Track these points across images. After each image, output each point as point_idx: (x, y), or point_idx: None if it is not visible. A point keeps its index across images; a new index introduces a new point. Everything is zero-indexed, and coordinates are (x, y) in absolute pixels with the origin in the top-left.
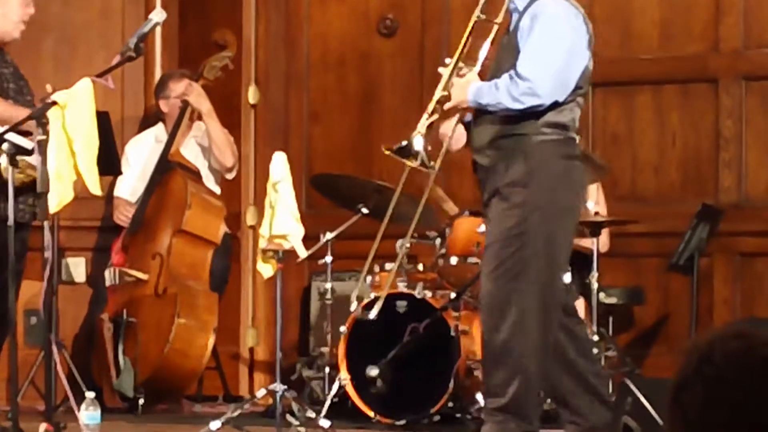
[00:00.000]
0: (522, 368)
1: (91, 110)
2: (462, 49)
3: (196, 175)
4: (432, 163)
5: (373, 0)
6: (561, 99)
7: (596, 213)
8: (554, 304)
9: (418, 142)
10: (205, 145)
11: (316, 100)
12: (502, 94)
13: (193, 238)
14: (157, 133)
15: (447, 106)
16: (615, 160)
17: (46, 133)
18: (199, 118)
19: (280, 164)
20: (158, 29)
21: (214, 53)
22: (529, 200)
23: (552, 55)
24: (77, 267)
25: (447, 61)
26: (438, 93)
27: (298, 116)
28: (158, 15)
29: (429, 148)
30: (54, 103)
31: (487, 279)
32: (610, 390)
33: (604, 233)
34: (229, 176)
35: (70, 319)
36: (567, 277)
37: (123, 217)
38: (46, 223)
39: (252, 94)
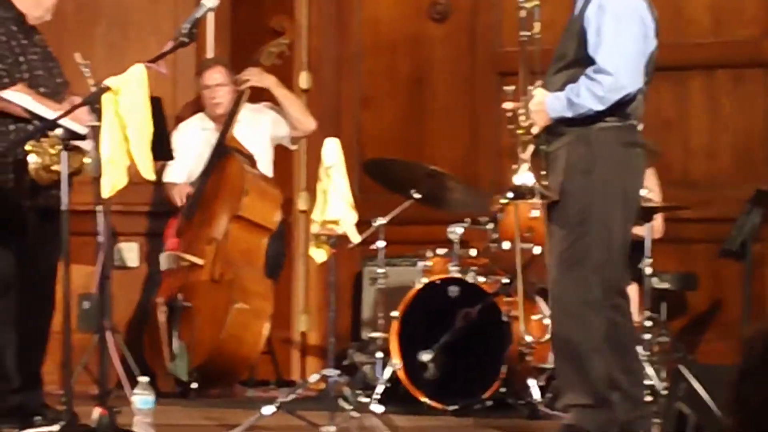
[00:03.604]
0: (589, 360)
1: (144, 96)
2: (523, 82)
3: (250, 160)
4: (549, 191)
5: None
6: (641, 86)
7: (649, 199)
8: (615, 292)
9: (528, 179)
10: (256, 128)
11: (368, 85)
12: (585, 99)
13: (250, 224)
14: (203, 119)
15: (535, 131)
16: (667, 145)
17: (99, 118)
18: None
19: (332, 150)
20: (210, 14)
21: (267, 39)
22: (590, 187)
23: (628, 44)
24: (130, 252)
25: (507, 89)
26: (523, 125)
27: (349, 101)
28: (211, 0)
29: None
30: (107, 88)
31: (552, 267)
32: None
33: (659, 218)
34: (294, 147)
35: (124, 303)
36: None
37: (183, 198)
38: (99, 208)
39: (304, 80)
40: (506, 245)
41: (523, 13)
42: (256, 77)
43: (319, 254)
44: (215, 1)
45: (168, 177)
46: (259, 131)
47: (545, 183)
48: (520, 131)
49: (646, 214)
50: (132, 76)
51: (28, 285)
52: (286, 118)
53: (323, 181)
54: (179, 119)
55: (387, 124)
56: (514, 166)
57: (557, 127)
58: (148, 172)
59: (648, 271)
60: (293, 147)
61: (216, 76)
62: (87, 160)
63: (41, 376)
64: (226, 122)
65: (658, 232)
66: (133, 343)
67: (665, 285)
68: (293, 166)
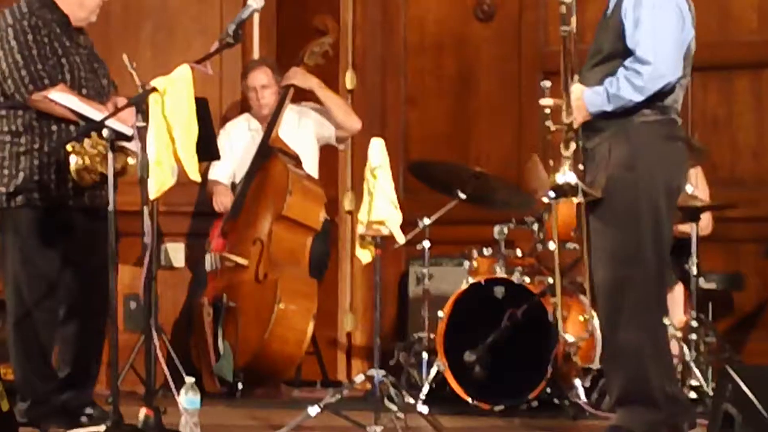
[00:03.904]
0: (647, 363)
1: (190, 96)
2: (565, 75)
3: (295, 160)
4: (592, 189)
5: None
6: (681, 74)
7: (696, 197)
8: (664, 288)
9: (571, 177)
10: (301, 128)
11: (413, 84)
12: (625, 90)
13: (294, 224)
14: (250, 119)
15: (576, 125)
16: (714, 144)
17: (146, 119)
18: (306, 99)
19: (378, 150)
20: (256, 15)
21: (312, 39)
22: (635, 183)
23: (666, 33)
24: (176, 252)
25: (543, 84)
26: (566, 122)
27: (395, 101)
28: (257, 1)
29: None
30: (153, 89)
31: (601, 265)
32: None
33: (705, 218)
34: (342, 147)
35: (170, 303)
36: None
37: (222, 206)
38: (145, 209)
39: (349, 80)
40: (552, 245)
41: (563, 9)
42: (299, 78)
43: (365, 255)
44: (261, 2)
45: (212, 175)
46: (303, 131)
47: (588, 181)
48: (562, 127)
49: (692, 214)
50: (178, 77)
51: (76, 285)
52: (330, 118)
53: (369, 182)
54: (225, 119)
55: (432, 123)
56: (552, 163)
57: (596, 122)
58: (194, 173)
59: (694, 271)
60: (341, 147)
61: (261, 77)
62: (131, 160)
63: (93, 376)
64: (270, 123)
65: (705, 231)
66: (179, 344)
67: (711, 285)
68: (339, 166)
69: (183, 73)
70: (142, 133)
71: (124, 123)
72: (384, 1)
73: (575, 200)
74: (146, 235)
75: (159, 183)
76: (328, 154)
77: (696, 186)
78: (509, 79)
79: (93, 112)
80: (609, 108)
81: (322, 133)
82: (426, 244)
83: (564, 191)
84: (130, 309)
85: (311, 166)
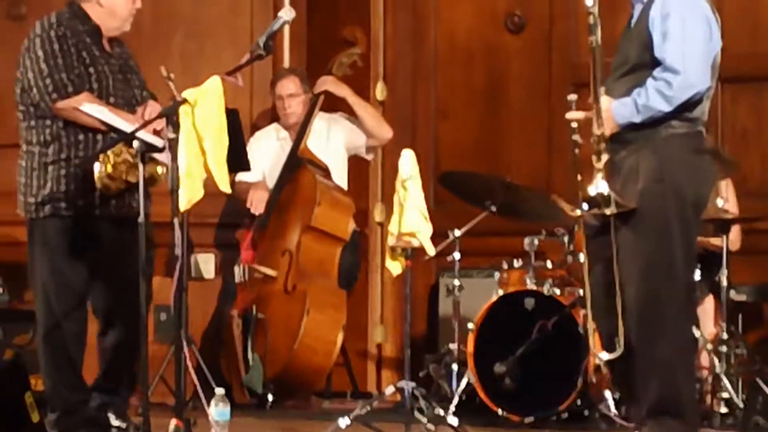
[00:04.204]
0: (674, 375)
1: (221, 108)
2: (594, 88)
3: (324, 171)
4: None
5: None
6: (709, 84)
7: (726, 210)
8: (695, 300)
9: (604, 188)
10: (330, 138)
11: (444, 95)
12: (653, 100)
13: (322, 235)
14: (278, 128)
15: (607, 135)
16: (744, 156)
17: (176, 131)
18: (334, 109)
19: (409, 162)
20: (286, 26)
21: (342, 50)
22: (665, 195)
23: (695, 43)
24: (207, 263)
25: (570, 98)
26: (596, 134)
27: (425, 112)
28: (287, 13)
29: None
30: (184, 101)
31: (632, 279)
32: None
33: (735, 230)
34: (371, 157)
35: (200, 315)
36: (696, 275)
37: (257, 202)
38: (176, 220)
39: (380, 91)
40: (582, 257)
41: (591, 19)
42: (331, 85)
43: (396, 266)
44: (291, 14)
45: (241, 177)
46: (333, 141)
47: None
48: (592, 140)
49: (723, 226)
50: (208, 88)
51: (108, 296)
52: (361, 127)
53: (400, 194)
54: (255, 128)
55: (463, 134)
56: (579, 178)
57: (624, 134)
58: (224, 185)
59: (725, 283)
60: (369, 157)
61: (289, 85)
62: (160, 169)
63: (126, 387)
64: (299, 133)
65: (735, 243)
66: (209, 355)
67: (742, 297)
68: (369, 178)
69: (214, 84)
70: (172, 144)
71: (155, 134)
72: (414, 12)
73: (608, 211)
74: (176, 247)
75: (189, 194)
76: (358, 165)
77: (726, 199)
78: (540, 90)
79: (123, 123)
80: (638, 119)
81: (352, 143)
82: (456, 255)
83: (597, 203)
84: (160, 320)
85: (340, 176)
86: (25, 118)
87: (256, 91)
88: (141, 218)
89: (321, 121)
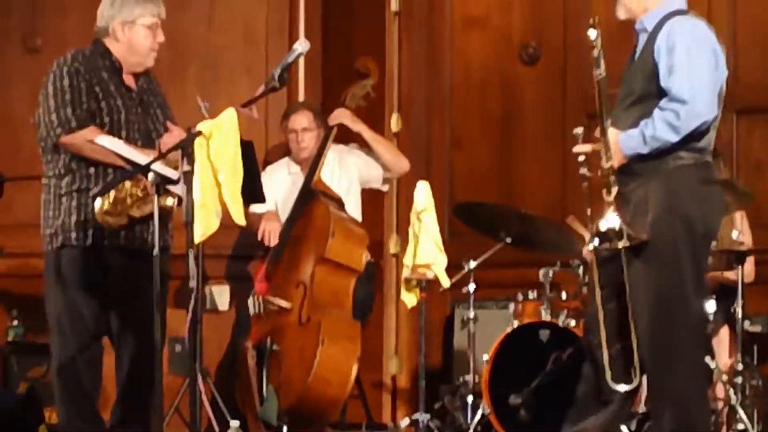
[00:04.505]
0: (689, 406)
1: (236, 140)
2: (601, 121)
3: (338, 202)
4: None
5: (516, 26)
6: (716, 113)
7: (740, 242)
8: (707, 330)
9: (615, 222)
10: (343, 169)
11: (458, 125)
12: (661, 130)
13: (336, 266)
14: (290, 162)
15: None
16: (758, 187)
17: (191, 163)
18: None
19: (423, 193)
20: (301, 58)
21: (356, 82)
22: (676, 227)
23: (702, 72)
24: (221, 295)
25: (576, 131)
26: (605, 167)
27: (440, 143)
28: (302, 45)
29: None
30: (199, 133)
31: (645, 312)
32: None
33: (749, 262)
34: (386, 188)
35: (215, 347)
36: (711, 306)
37: (269, 233)
38: (190, 252)
39: (395, 122)
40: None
41: (595, 52)
42: (347, 119)
43: (410, 298)
44: (306, 46)
45: (253, 209)
46: (346, 173)
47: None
48: (602, 173)
49: (737, 258)
50: (223, 120)
51: (122, 328)
52: (378, 160)
53: (414, 225)
54: (267, 162)
55: (478, 165)
56: (589, 212)
57: (631, 165)
58: (239, 217)
59: (739, 314)
60: (385, 188)
61: (302, 120)
62: (169, 201)
63: (142, 419)
64: (312, 164)
65: (749, 275)
66: (223, 387)
67: (757, 328)
68: (384, 209)
69: (229, 116)
70: (187, 176)
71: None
72: (429, 43)
73: (620, 245)
74: (191, 278)
75: (204, 226)
76: (373, 196)
77: (740, 230)
78: (554, 120)
79: (138, 155)
80: (645, 150)
81: (368, 175)
82: (471, 286)
83: (609, 237)
84: (174, 352)
85: (354, 207)
86: (44, 152)
87: (271, 123)
88: (156, 251)
89: (334, 153)
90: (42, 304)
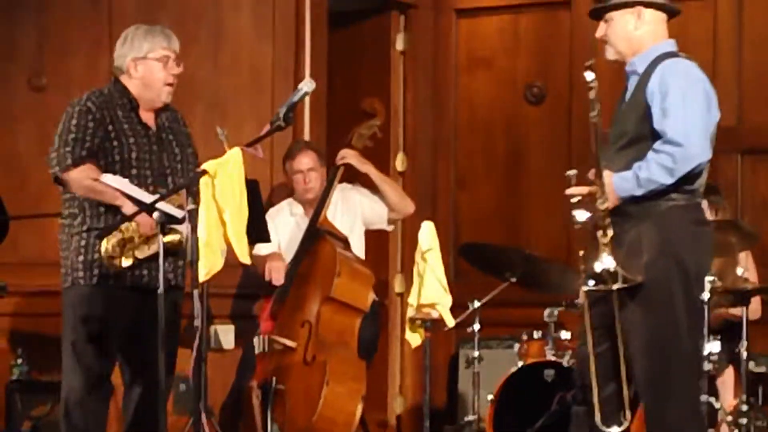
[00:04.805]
0: None
1: (241, 179)
2: (597, 163)
3: (344, 242)
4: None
5: (521, 67)
6: (710, 156)
7: (746, 280)
8: (702, 372)
9: (610, 263)
10: (348, 209)
11: (463, 166)
12: (655, 173)
13: (342, 306)
14: (292, 204)
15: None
16: (764, 226)
17: (196, 202)
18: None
19: (428, 233)
20: (307, 98)
21: (362, 122)
22: (670, 268)
23: (696, 115)
24: (226, 334)
25: (569, 173)
26: (601, 209)
27: (445, 183)
28: (308, 85)
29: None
30: (204, 172)
31: (640, 354)
32: None
33: (755, 301)
34: (391, 228)
35: (219, 386)
36: (716, 346)
37: (275, 272)
38: (195, 291)
39: (400, 162)
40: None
41: (592, 94)
42: (354, 159)
43: (415, 338)
44: (312, 85)
45: (257, 251)
46: (351, 212)
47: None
48: (602, 224)
49: (743, 297)
50: (229, 159)
51: (130, 367)
52: (383, 201)
53: (419, 265)
54: (272, 201)
55: (483, 205)
56: (581, 253)
57: (625, 207)
58: (244, 256)
59: (744, 354)
60: (390, 228)
61: (307, 160)
62: (176, 237)
63: None
64: (318, 204)
65: (756, 312)
66: (228, 426)
67: (762, 369)
68: (389, 248)
69: (234, 155)
70: (193, 216)
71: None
72: (434, 83)
73: (615, 287)
74: (196, 317)
75: (209, 265)
76: (378, 236)
77: (746, 269)
78: (559, 160)
79: (143, 194)
80: (639, 192)
81: (372, 215)
82: (476, 326)
83: (603, 279)
84: (179, 391)
85: (358, 247)
86: (62, 192)
87: (277, 162)
88: (160, 289)
89: (338, 192)
90: (47, 342)
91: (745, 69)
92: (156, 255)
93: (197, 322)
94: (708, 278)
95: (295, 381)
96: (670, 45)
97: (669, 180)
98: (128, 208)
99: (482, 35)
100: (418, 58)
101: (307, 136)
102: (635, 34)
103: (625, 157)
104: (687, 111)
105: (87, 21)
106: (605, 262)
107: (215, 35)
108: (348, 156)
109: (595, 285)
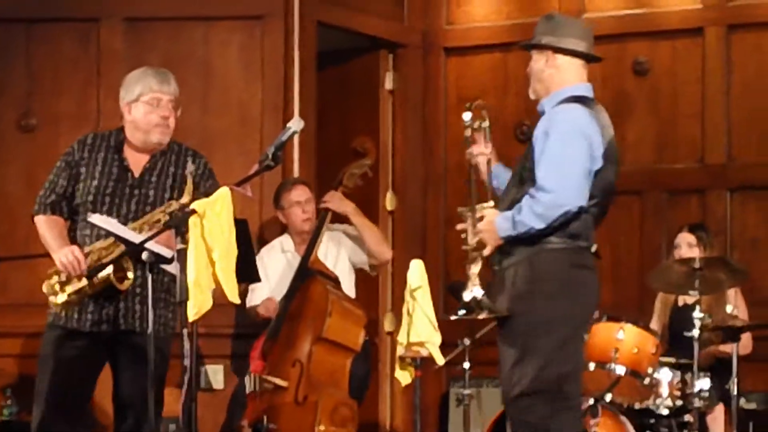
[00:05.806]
0: None
1: (230, 218)
2: (471, 199)
3: (335, 281)
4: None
5: (510, 105)
6: (585, 204)
7: (735, 317)
8: (578, 417)
9: (478, 293)
10: (337, 250)
11: (453, 205)
12: (526, 217)
13: (334, 346)
14: (283, 242)
15: (486, 252)
16: (754, 264)
17: (185, 241)
18: (342, 221)
19: (417, 272)
20: (296, 137)
21: (352, 160)
22: (535, 309)
23: (570, 163)
24: (216, 374)
25: (460, 210)
26: (471, 243)
27: (434, 221)
28: (296, 123)
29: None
30: (193, 211)
31: (503, 385)
32: None
33: (746, 337)
34: (374, 273)
35: (210, 426)
36: (706, 383)
37: (271, 311)
38: (184, 331)
39: (389, 201)
40: (591, 366)
41: (468, 132)
42: (335, 203)
43: (405, 376)
44: (300, 124)
45: (251, 302)
46: (340, 253)
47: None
48: (469, 253)
49: (732, 334)
50: (217, 198)
51: (117, 408)
52: (362, 246)
53: (409, 303)
54: (262, 239)
55: None
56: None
57: (508, 246)
58: (233, 295)
59: (734, 390)
60: (373, 273)
61: (303, 193)
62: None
63: None
64: (309, 244)
65: (747, 347)
66: None
67: (752, 405)
68: (379, 287)
69: (223, 194)
70: (182, 255)
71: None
72: (423, 122)
73: (481, 316)
74: (185, 357)
75: (198, 305)
76: (368, 275)
77: (735, 306)
78: None
79: (131, 234)
80: (514, 233)
81: (357, 257)
82: (466, 365)
83: (471, 308)
84: (169, 431)
85: (348, 287)
86: None
87: (266, 201)
88: (150, 329)
89: (328, 233)
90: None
91: (734, 106)
92: (90, 296)
93: (187, 362)
94: (697, 315)
95: (286, 421)
96: (583, 89)
97: (540, 225)
98: (55, 255)
99: (471, 74)
100: (407, 97)
101: (296, 175)
102: (544, 75)
103: (510, 197)
104: (563, 158)
105: (76, 62)
106: (474, 291)
107: (204, 75)
108: (329, 201)
109: (466, 314)
